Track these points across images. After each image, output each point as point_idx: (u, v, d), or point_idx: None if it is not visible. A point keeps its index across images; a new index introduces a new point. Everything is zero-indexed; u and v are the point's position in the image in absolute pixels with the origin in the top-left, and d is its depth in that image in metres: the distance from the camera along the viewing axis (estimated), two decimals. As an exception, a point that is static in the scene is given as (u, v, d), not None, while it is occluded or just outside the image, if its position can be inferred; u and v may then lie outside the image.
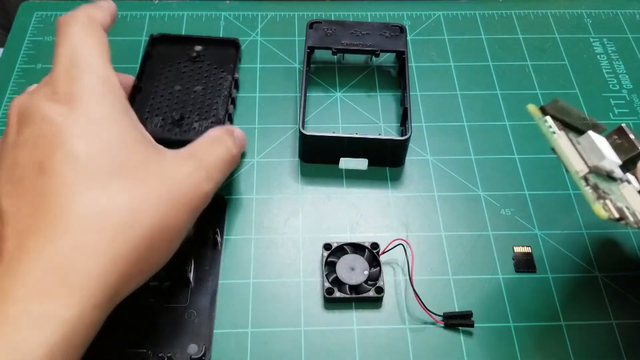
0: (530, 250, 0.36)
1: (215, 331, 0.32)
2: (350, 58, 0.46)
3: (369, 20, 0.49)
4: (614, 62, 0.46)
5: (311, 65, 0.45)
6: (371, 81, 0.45)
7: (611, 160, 0.29)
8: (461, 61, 0.46)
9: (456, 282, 0.35)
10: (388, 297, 0.34)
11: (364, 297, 0.33)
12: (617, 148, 0.30)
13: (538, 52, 0.47)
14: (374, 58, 0.45)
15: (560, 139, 0.29)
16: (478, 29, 0.49)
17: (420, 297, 0.33)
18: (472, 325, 0.33)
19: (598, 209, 0.26)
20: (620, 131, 0.31)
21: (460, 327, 0.33)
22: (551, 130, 0.29)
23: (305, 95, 0.41)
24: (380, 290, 0.33)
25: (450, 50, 0.47)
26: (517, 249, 0.36)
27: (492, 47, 0.47)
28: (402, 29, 0.44)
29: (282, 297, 0.34)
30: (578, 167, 0.28)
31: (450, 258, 0.36)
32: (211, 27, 0.48)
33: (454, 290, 0.34)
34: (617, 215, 0.26)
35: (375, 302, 0.34)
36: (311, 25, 0.44)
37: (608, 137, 0.31)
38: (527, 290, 0.34)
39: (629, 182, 0.29)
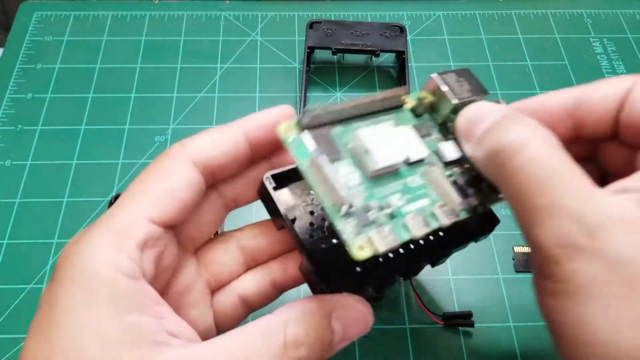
0: (530, 250, 0.36)
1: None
2: (350, 58, 0.46)
3: (369, 20, 0.49)
4: (614, 62, 0.46)
5: (311, 65, 0.45)
6: (371, 81, 0.45)
7: (388, 162, 0.21)
8: (461, 61, 0.46)
9: (456, 282, 0.35)
10: (388, 297, 0.34)
11: (363, 297, 0.33)
12: (428, 108, 0.24)
13: (538, 52, 0.47)
14: (374, 58, 0.45)
15: (314, 167, 0.20)
16: (478, 29, 0.49)
17: (420, 297, 0.33)
18: (472, 325, 0.33)
19: (355, 251, 0.19)
20: (431, 84, 0.24)
21: (460, 327, 0.33)
22: (303, 151, 0.21)
23: (305, 95, 0.41)
24: (380, 290, 0.33)
25: (450, 50, 0.47)
26: (517, 249, 0.36)
27: (492, 47, 0.47)
28: (402, 29, 0.44)
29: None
30: (332, 199, 0.20)
31: (450, 258, 0.36)
32: (211, 27, 0.48)
33: (454, 290, 0.34)
34: (383, 250, 0.19)
35: (375, 302, 0.34)
36: (311, 25, 0.44)
37: (419, 103, 0.24)
38: (527, 290, 0.34)
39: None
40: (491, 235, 0.36)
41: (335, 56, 0.45)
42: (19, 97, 0.43)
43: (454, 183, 0.23)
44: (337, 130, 0.22)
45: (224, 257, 0.25)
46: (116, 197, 0.36)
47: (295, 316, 0.20)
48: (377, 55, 0.43)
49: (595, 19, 0.50)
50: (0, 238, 0.36)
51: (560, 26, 0.49)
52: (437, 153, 0.24)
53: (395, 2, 0.50)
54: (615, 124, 0.23)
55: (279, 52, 0.46)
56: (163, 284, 0.22)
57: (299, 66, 0.45)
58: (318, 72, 0.45)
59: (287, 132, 0.21)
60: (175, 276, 0.23)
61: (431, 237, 0.24)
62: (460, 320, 0.33)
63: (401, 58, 0.43)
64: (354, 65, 0.46)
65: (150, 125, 0.42)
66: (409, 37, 0.47)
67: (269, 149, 0.24)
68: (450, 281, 0.35)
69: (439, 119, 0.24)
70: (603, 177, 0.25)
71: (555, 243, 0.18)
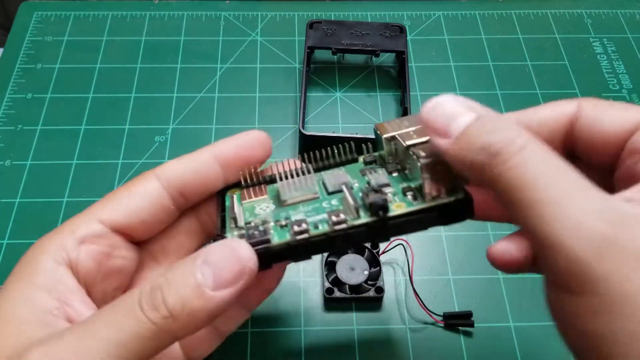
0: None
1: (215, 331, 0.32)
2: (350, 58, 0.46)
3: (369, 20, 0.49)
4: (614, 62, 0.46)
5: (311, 65, 0.45)
6: (371, 81, 0.45)
7: (296, 195, 0.23)
8: (461, 61, 0.46)
9: (456, 282, 0.35)
10: (388, 297, 0.34)
11: (364, 297, 0.33)
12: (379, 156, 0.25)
13: (538, 52, 0.47)
14: (374, 58, 0.45)
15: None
16: (478, 29, 0.49)
17: (420, 297, 0.33)
18: (472, 325, 0.33)
19: None
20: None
21: (460, 327, 0.33)
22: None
23: (305, 95, 0.41)
24: (380, 290, 0.33)
25: (450, 50, 0.47)
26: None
27: (492, 47, 0.47)
28: (402, 29, 0.44)
29: (282, 297, 0.34)
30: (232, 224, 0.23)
31: (450, 258, 0.36)
32: (211, 27, 0.48)
33: (454, 290, 0.34)
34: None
35: (375, 302, 0.34)
36: (311, 25, 0.44)
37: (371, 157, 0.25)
38: (527, 290, 0.34)
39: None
40: (491, 236, 0.36)
41: (335, 56, 0.45)
42: (19, 97, 0.43)
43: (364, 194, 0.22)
44: (276, 186, 0.25)
45: None
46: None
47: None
48: (377, 55, 0.43)
49: (595, 19, 0.50)
50: (0, 238, 0.36)
51: (560, 26, 0.49)
52: (368, 182, 0.24)
53: (395, 2, 0.50)
54: (565, 143, 0.21)
55: (279, 52, 0.46)
56: (115, 286, 0.23)
57: (299, 66, 0.45)
58: (318, 72, 0.45)
59: (231, 191, 0.25)
60: (141, 284, 0.24)
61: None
62: (460, 320, 0.33)
63: (401, 58, 0.43)
64: (354, 65, 0.46)
65: (150, 125, 0.42)
66: (409, 37, 0.47)
67: (242, 169, 0.24)
68: (450, 281, 0.35)
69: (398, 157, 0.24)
70: None
71: (579, 242, 0.16)
